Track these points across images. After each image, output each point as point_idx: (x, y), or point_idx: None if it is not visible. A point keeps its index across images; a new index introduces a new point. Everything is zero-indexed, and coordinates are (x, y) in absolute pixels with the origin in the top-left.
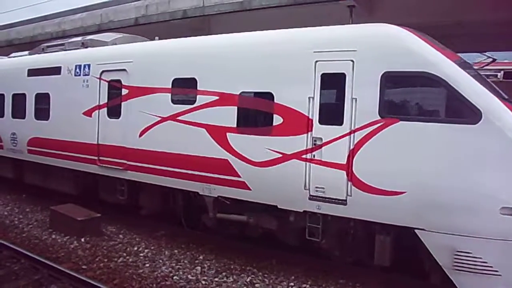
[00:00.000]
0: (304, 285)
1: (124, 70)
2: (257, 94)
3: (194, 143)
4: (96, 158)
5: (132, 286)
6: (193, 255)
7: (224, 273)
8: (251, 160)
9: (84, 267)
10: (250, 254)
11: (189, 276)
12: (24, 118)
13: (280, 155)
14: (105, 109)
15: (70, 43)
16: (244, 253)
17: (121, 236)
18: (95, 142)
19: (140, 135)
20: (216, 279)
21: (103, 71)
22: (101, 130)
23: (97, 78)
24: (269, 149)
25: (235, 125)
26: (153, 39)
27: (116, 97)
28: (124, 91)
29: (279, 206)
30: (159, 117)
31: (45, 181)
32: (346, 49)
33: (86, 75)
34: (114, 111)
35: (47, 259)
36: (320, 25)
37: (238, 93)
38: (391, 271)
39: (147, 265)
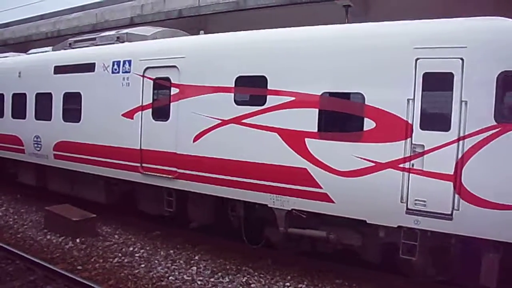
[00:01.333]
0: (300, 285)
1: (174, 66)
2: (343, 94)
3: (262, 149)
4: (138, 165)
5: (128, 286)
6: (188, 255)
7: (219, 273)
8: (335, 169)
9: (79, 267)
10: (245, 254)
11: (185, 277)
12: (50, 120)
13: (372, 164)
14: (150, 110)
15: (103, 37)
16: (240, 253)
17: (116, 236)
18: (137, 147)
19: (195, 139)
20: (212, 279)
21: (147, 68)
22: (145, 134)
23: (140, 75)
24: (358, 157)
25: (315, 130)
26: (198, 33)
27: (163, 97)
28: (174, 90)
29: (368, 221)
30: (219, 119)
31: (73, 189)
32: (454, 46)
33: (126, 72)
34: (161, 113)
35: (42, 260)
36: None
37: (319, 93)
38: (387, 271)
39: (143, 265)
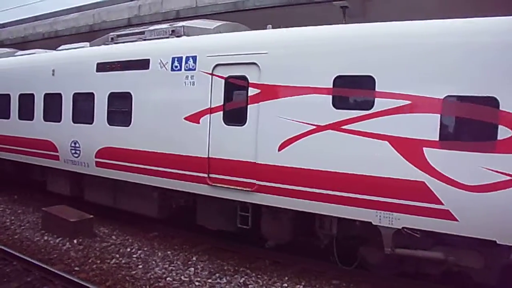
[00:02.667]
0: (298, 286)
1: (254, 64)
2: (471, 99)
3: (368, 159)
4: (205, 175)
5: (125, 287)
6: (186, 256)
7: (217, 274)
8: (461, 183)
9: (76, 268)
10: (243, 255)
11: (182, 278)
12: (91, 123)
13: (508, 178)
14: (221, 113)
15: (153, 31)
16: (237, 254)
17: (113, 237)
18: (205, 156)
19: (281, 148)
20: (210, 280)
21: (217, 65)
22: (214, 140)
23: (208, 73)
24: (489, 169)
25: (436, 138)
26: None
27: (238, 98)
28: (253, 91)
29: (498, 242)
30: (313, 125)
31: (116, 201)
32: None
33: (190, 69)
34: (235, 116)
35: (39, 261)
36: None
37: (441, 97)
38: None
39: (140, 266)
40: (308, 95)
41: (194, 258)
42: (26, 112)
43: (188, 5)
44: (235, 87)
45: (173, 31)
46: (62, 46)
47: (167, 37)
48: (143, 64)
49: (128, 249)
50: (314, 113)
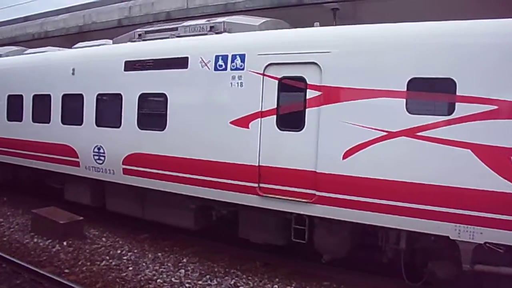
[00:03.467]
0: (288, 287)
1: (313, 63)
2: None
3: (448, 169)
4: (255, 185)
5: None
6: (176, 258)
7: (208, 276)
8: None
9: (66, 270)
10: (233, 257)
11: (173, 279)
12: (118, 127)
13: None
14: (274, 117)
15: (188, 27)
16: (228, 256)
17: (104, 239)
18: (254, 163)
19: (346, 156)
20: (200, 282)
21: (269, 65)
22: (266, 147)
23: (258, 74)
24: None
25: None
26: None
27: (295, 101)
28: (312, 93)
29: None
30: (384, 131)
31: (145, 212)
32: None
33: (237, 69)
34: (291, 121)
35: (28, 263)
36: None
37: None
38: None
39: (131, 268)
40: (378, 99)
41: (184, 260)
42: (42, 114)
43: (179, 6)
44: (293, 89)
45: (212, 27)
46: (81, 43)
47: (205, 34)
48: (180, 62)
49: (119, 251)
50: (384, 118)
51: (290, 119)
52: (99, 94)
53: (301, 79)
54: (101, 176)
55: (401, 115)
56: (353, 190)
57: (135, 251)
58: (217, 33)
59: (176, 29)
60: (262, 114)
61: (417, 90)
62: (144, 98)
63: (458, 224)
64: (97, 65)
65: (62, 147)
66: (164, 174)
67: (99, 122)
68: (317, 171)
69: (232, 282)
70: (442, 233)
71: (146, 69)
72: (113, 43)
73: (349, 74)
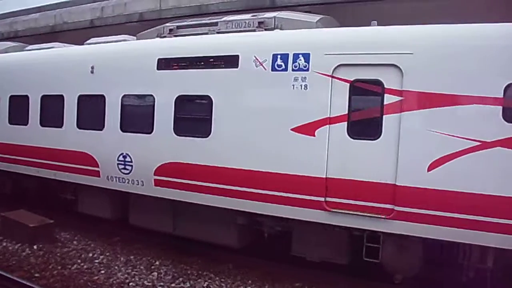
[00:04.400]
0: None
1: (393, 65)
2: None
3: None
4: (321, 199)
5: None
6: (149, 260)
7: (181, 279)
8: None
9: (37, 275)
10: (206, 259)
11: (145, 282)
12: (149, 132)
13: None
14: (344, 124)
15: (230, 22)
16: (201, 258)
17: (75, 242)
18: (321, 175)
19: (431, 167)
20: (173, 284)
21: (339, 66)
22: (335, 157)
23: (326, 75)
24: None
25: None
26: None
27: (370, 106)
28: (391, 98)
29: None
30: (477, 141)
31: (177, 227)
32: None
33: (301, 70)
34: (366, 129)
35: None
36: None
37: None
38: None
39: (102, 271)
40: (469, 106)
41: (157, 263)
42: (53, 117)
43: (152, 7)
44: (365, 93)
45: (261, 22)
46: (94, 39)
47: (253, 30)
48: (229, 61)
49: (90, 254)
50: (478, 127)
51: (366, 127)
52: (125, 96)
53: (377, 83)
54: (127, 188)
55: (497, 123)
56: (439, 204)
57: (107, 254)
58: (266, 29)
59: (216, 24)
60: (330, 121)
61: None
62: (182, 101)
63: None
64: (122, 63)
65: (78, 154)
66: (206, 187)
67: (125, 127)
68: (397, 184)
69: (205, 285)
70: None
71: (185, 68)
72: (137, 39)
73: (435, 78)
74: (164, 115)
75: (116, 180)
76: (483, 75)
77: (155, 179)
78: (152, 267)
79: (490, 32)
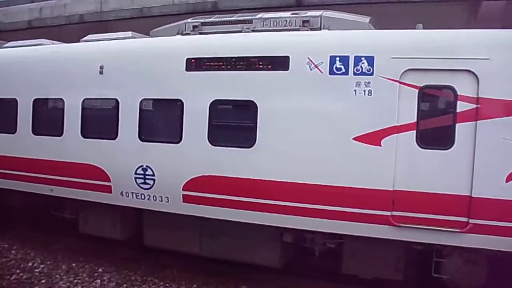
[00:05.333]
0: None
1: (467, 71)
2: None
3: None
4: (387, 213)
5: None
6: (92, 268)
7: (125, 285)
8: None
9: None
10: (150, 265)
11: None
12: (177, 141)
13: None
14: (413, 132)
15: (268, 20)
16: (145, 264)
17: (13, 251)
18: (387, 188)
19: (510, 178)
20: None
21: (407, 71)
22: (403, 168)
23: (393, 81)
24: None
25: None
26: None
27: (441, 114)
28: (465, 106)
29: None
30: None
31: (203, 248)
32: None
33: (364, 74)
34: (437, 138)
35: None
36: None
37: None
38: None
39: (43, 281)
40: None
41: (100, 270)
42: (49, 124)
43: (93, 9)
44: (435, 99)
45: (306, 21)
46: (92, 36)
47: (296, 29)
48: (277, 63)
49: (30, 264)
50: None
51: (435, 135)
52: (144, 100)
53: (450, 89)
54: (147, 205)
55: None
56: None
57: (48, 262)
58: (312, 29)
59: (251, 21)
60: (397, 129)
61: None
62: (218, 106)
63: None
64: (140, 63)
65: (83, 166)
66: (249, 202)
67: (145, 136)
68: (472, 195)
69: None
70: None
71: (222, 70)
72: (151, 36)
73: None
74: (196, 122)
75: (132, 196)
76: None
77: (184, 195)
78: (95, 274)
79: None
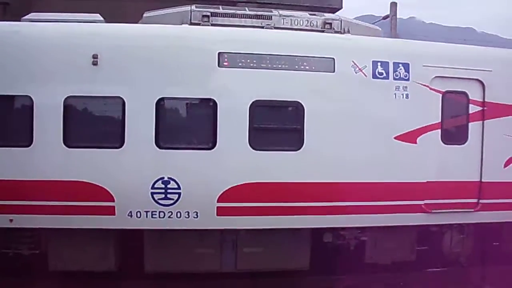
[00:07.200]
0: None
1: (477, 80)
2: None
3: None
4: (421, 202)
5: None
6: None
7: None
8: None
9: None
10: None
11: None
12: (209, 147)
13: None
14: (439, 131)
15: (289, 18)
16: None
17: None
18: (422, 180)
19: (506, 165)
20: None
21: (435, 77)
22: (433, 162)
23: (424, 86)
24: None
25: None
26: None
27: (459, 115)
28: (475, 108)
29: None
30: None
31: (226, 262)
32: None
33: (402, 79)
34: (456, 135)
35: None
36: None
37: None
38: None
39: None
40: None
41: None
42: (9, 131)
43: None
44: (454, 102)
45: (328, 23)
46: (37, 15)
47: (319, 31)
48: (323, 64)
49: None
50: None
51: (455, 133)
52: (162, 99)
53: (464, 94)
54: (165, 224)
55: None
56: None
57: None
58: (336, 31)
59: (270, 17)
60: (429, 128)
61: None
62: (260, 107)
63: None
64: (156, 53)
65: (67, 185)
66: (299, 207)
67: (165, 142)
68: (483, 181)
69: None
70: None
71: (263, 68)
72: (144, 22)
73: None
74: (233, 125)
75: (146, 215)
76: None
77: (218, 207)
78: None
79: None
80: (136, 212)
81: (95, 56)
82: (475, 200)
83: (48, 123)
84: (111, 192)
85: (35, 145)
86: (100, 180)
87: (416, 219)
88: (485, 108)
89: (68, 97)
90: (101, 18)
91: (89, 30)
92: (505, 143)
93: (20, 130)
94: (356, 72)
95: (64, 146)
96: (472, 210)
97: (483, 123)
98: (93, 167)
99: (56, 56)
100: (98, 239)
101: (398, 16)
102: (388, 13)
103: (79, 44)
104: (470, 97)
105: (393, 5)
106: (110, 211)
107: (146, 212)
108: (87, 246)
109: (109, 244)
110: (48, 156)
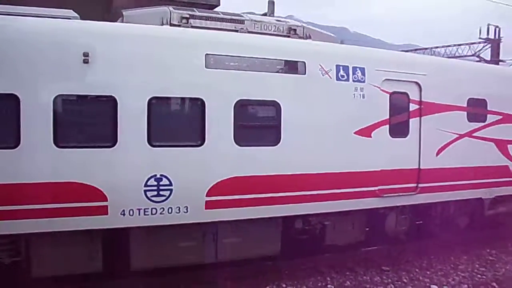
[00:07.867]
0: None
1: (415, 82)
2: None
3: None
4: (375, 188)
5: None
6: None
7: None
8: None
9: None
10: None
11: None
12: (198, 144)
13: None
14: (387, 126)
15: (259, 23)
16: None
17: None
18: (376, 169)
19: (437, 153)
20: None
21: (385, 80)
22: (383, 153)
23: (376, 87)
24: None
25: None
26: None
27: (401, 112)
28: (413, 106)
29: None
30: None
31: (220, 253)
32: None
33: (359, 81)
34: (401, 129)
35: None
36: None
37: None
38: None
39: None
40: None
41: None
42: None
43: None
44: (398, 102)
45: (293, 30)
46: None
47: (286, 35)
48: (296, 67)
49: None
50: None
51: (399, 128)
52: (154, 99)
53: (405, 94)
54: (157, 220)
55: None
56: (443, 177)
57: None
58: (300, 37)
59: (243, 22)
60: (380, 124)
61: (471, 106)
62: (244, 106)
63: (485, 189)
64: (147, 53)
65: (61, 187)
66: (276, 197)
67: (157, 140)
68: (421, 168)
69: None
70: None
71: (246, 70)
72: (125, 20)
73: (439, 92)
74: (220, 122)
75: (139, 213)
76: (458, 92)
77: (207, 201)
78: None
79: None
80: (129, 210)
81: (86, 54)
82: (415, 185)
83: (37, 122)
84: (104, 192)
85: (22, 146)
86: (93, 180)
87: (371, 203)
88: (422, 106)
89: (57, 96)
90: (76, 14)
91: (80, 27)
92: (437, 136)
93: (8, 129)
94: (323, 75)
95: (54, 146)
96: (414, 193)
97: (420, 119)
98: (84, 167)
99: (46, 53)
100: (85, 241)
101: (276, 14)
102: (266, 11)
103: (69, 41)
104: (410, 97)
105: (271, 4)
106: (102, 211)
107: (139, 209)
108: (73, 249)
109: (96, 245)
110: (37, 157)
